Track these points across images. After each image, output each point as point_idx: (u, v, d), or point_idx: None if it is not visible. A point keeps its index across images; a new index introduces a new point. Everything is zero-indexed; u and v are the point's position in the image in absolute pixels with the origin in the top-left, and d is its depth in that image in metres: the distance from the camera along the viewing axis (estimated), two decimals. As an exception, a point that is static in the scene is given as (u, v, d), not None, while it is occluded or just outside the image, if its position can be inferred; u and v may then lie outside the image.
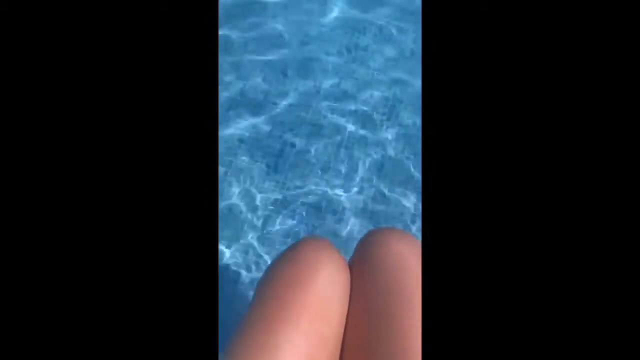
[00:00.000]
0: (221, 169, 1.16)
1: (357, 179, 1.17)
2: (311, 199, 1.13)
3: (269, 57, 1.39)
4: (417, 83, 1.36)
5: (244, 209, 1.11)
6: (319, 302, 0.41)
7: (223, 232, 1.07)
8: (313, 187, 1.14)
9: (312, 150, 1.21)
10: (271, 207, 1.10)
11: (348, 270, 0.48)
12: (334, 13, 1.51)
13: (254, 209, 1.11)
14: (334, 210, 1.11)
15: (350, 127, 1.25)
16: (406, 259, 0.46)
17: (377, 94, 1.33)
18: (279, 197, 1.13)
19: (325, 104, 1.30)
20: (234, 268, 1.03)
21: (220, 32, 1.43)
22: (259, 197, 1.12)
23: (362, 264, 0.49)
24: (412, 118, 1.28)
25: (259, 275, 0.81)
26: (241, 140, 1.22)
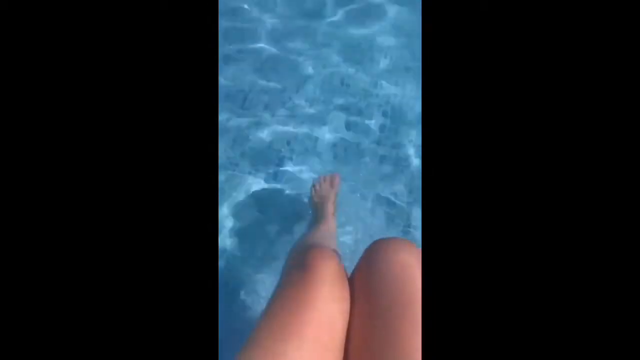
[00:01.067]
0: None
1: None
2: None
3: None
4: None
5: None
6: (322, 316, 0.45)
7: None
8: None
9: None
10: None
11: (347, 284, 0.52)
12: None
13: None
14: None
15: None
16: (411, 269, 0.48)
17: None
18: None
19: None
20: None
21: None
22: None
23: (368, 272, 0.51)
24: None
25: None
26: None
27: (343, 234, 1.08)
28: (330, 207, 1.00)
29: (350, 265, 0.55)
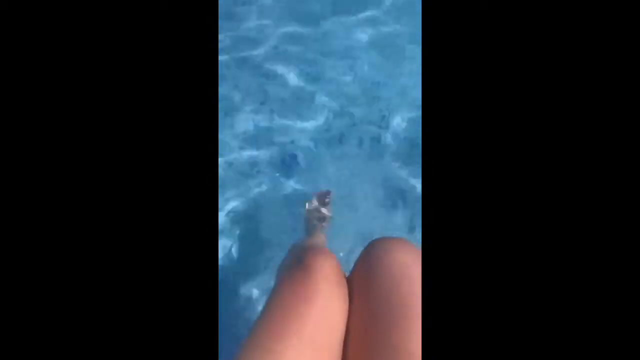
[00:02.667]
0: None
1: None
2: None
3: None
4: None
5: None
6: (321, 314, 0.45)
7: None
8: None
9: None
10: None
11: (346, 283, 0.52)
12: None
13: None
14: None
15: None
16: (409, 269, 0.48)
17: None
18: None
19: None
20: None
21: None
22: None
23: (366, 271, 0.51)
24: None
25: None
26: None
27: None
28: (322, 224, 1.01)
29: (345, 269, 0.55)
